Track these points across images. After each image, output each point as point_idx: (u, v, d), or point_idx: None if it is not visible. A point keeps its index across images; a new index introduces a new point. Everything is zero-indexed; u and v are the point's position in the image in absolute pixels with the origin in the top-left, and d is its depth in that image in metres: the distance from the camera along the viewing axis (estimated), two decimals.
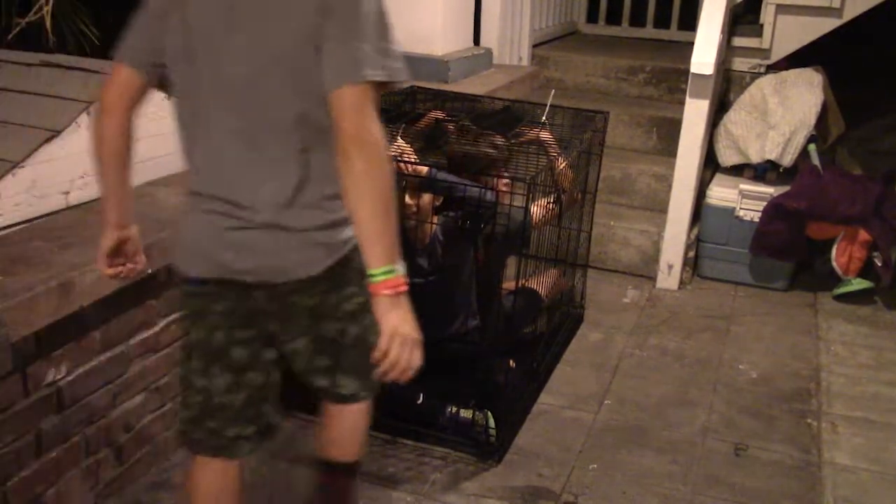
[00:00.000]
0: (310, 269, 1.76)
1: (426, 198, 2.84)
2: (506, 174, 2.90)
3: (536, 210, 2.95)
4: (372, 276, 1.65)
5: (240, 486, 1.99)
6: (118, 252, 1.91)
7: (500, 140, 2.99)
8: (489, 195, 2.76)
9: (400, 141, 2.93)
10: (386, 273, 1.65)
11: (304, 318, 1.84)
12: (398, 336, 1.68)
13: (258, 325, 1.86)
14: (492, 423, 2.80)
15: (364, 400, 2.02)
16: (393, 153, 2.83)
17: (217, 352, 1.85)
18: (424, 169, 2.78)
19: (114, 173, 1.83)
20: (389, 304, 1.67)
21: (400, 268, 1.67)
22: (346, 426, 2.06)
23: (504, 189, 2.85)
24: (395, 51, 1.68)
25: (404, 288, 1.69)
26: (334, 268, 1.78)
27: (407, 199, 2.84)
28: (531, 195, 2.74)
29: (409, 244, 2.92)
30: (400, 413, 2.83)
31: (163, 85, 1.81)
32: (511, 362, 3.02)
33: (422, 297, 2.92)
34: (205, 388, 1.87)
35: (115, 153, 1.81)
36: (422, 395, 2.85)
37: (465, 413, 2.81)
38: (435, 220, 2.87)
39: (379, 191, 1.63)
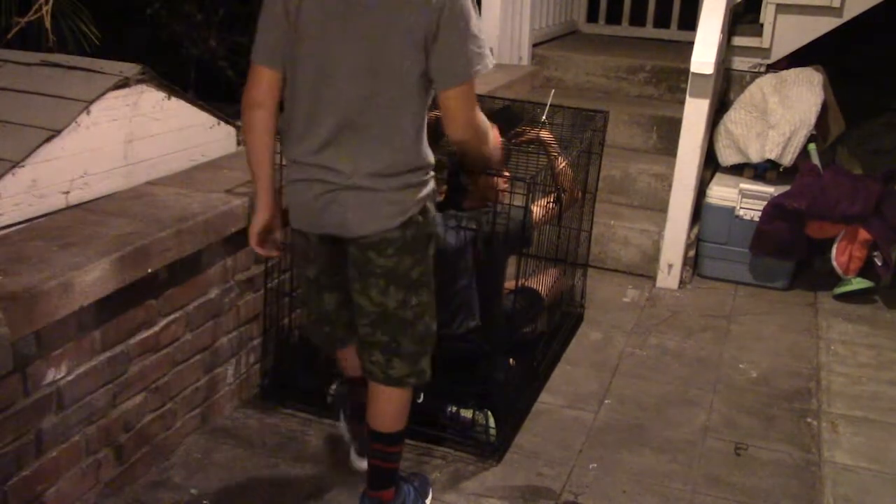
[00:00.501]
0: (385, 224, 2.09)
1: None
2: (506, 173, 2.90)
3: (537, 210, 2.95)
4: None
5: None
6: (266, 231, 2.27)
7: (499, 140, 2.98)
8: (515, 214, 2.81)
9: None
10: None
11: (379, 280, 2.15)
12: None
13: (344, 275, 2.22)
14: (492, 422, 2.80)
15: (409, 386, 2.29)
16: None
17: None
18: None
19: (266, 160, 2.18)
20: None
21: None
22: (390, 407, 2.30)
23: (504, 187, 2.85)
24: (485, 42, 2.09)
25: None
26: (407, 228, 2.11)
27: None
28: (531, 194, 2.74)
29: None
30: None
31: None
32: (511, 361, 3.02)
33: None
34: (318, 302, 2.35)
35: (267, 142, 2.17)
36: (422, 395, 2.84)
37: (466, 412, 2.81)
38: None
39: (488, 156, 2.37)
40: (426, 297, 2.23)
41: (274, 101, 2.13)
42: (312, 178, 2.11)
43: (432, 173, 2.18)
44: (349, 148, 2.06)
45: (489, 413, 2.81)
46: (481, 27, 2.08)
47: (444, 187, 2.90)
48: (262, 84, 2.12)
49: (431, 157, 2.16)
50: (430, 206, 2.19)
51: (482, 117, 2.21)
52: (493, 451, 2.76)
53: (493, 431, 2.79)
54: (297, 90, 2.09)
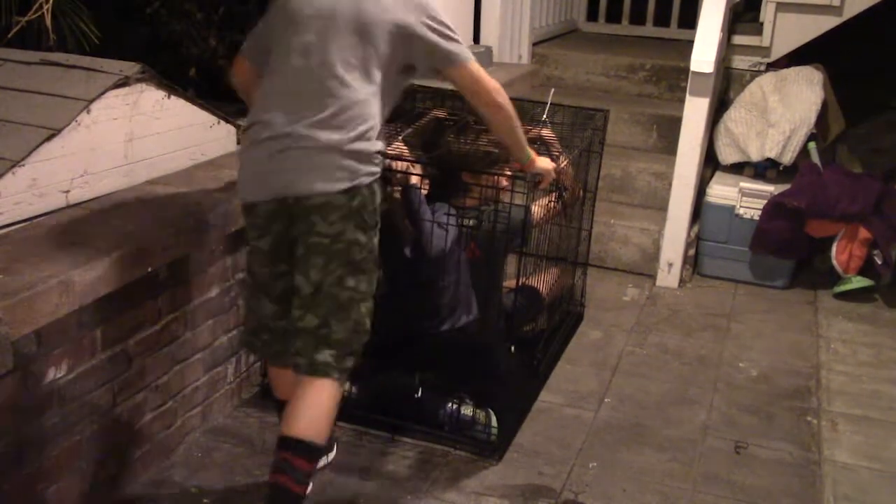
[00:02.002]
0: (333, 185, 2.12)
1: (418, 181, 2.84)
2: (507, 171, 2.90)
3: (537, 209, 2.95)
4: (521, 160, 2.61)
5: None
6: None
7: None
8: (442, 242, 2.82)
9: (399, 141, 2.92)
10: (527, 158, 2.61)
11: (320, 256, 2.14)
12: (551, 171, 2.72)
13: (288, 264, 2.22)
14: (494, 421, 2.80)
15: (334, 377, 2.19)
16: (391, 153, 2.83)
17: (264, 283, 2.32)
18: (415, 179, 2.78)
19: None
20: (537, 164, 2.65)
21: (530, 153, 2.61)
22: (312, 404, 2.17)
23: (506, 186, 2.85)
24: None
25: (537, 161, 2.63)
26: (354, 197, 2.14)
27: (397, 195, 2.84)
28: (532, 193, 2.74)
29: (400, 239, 2.91)
30: (398, 408, 2.84)
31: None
32: (511, 348, 3.00)
33: (414, 293, 2.95)
34: (259, 308, 2.35)
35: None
36: (420, 390, 2.85)
37: (466, 410, 2.81)
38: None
39: (509, 122, 2.46)
40: (365, 286, 2.22)
41: None
42: (260, 139, 2.18)
43: (382, 151, 2.25)
44: (301, 102, 2.17)
45: (490, 412, 2.81)
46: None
47: (427, 181, 2.92)
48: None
49: (381, 146, 2.25)
50: (378, 190, 2.22)
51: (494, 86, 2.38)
52: (493, 450, 2.76)
53: (494, 430, 2.79)
54: (269, 70, 2.26)
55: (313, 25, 2.19)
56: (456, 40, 2.33)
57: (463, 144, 2.95)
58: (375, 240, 2.25)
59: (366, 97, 2.19)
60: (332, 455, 2.62)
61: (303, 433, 2.13)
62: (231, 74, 2.51)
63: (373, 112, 2.21)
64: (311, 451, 2.16)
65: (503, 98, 2.39)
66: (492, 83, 2.37)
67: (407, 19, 2.23)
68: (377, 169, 2.23)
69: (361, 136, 2.17)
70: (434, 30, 2.28)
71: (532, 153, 2.61)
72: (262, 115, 2.22)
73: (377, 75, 2.22)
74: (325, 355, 2.17)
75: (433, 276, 2.89)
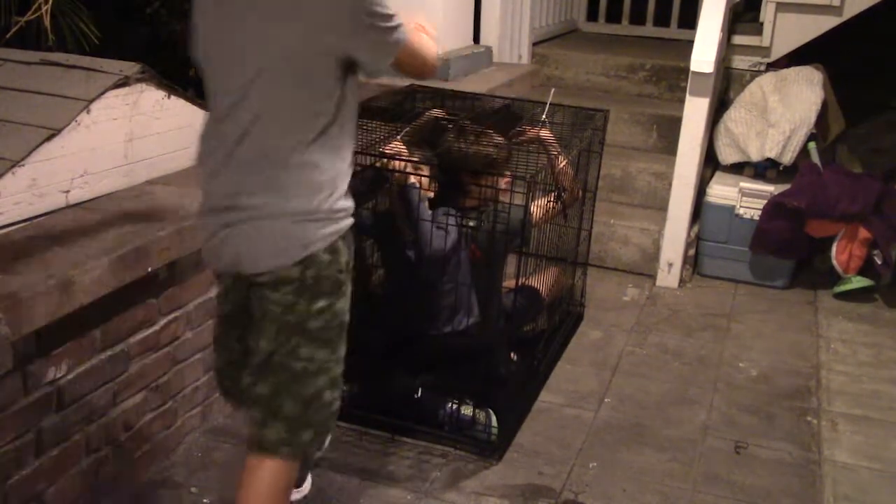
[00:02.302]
0: (281, 260, 1.85)
1: (423, 182, 2.84)
2: (506, 174, 2.90)
3: (536, 210, 2.95)
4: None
5: None
6: None
7: (500, 139, 2.99)
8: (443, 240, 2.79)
9: (398, 140, 2.93)
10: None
11: (273, 323, 1.89)
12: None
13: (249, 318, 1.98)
14: (494, 421, 2.80)
15: (286, 456, 1.95)
16: (389, 152, 2.83)
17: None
18: (412, 178, 2.78)
19: None
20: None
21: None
22: (260, 486, 1.95)
23: (506, 188, 2.86)
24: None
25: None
26: (308, 268, 1.86)
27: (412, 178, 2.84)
28: (531, 193, 2.74)
29: (401, 240, 2.92)
30: (398, 409, 2.84)
31: None
32: (512, 355, 3.01)
33: (415, 294, 2.95)
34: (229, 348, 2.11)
35: None
36: (420, 390, 2.85)
37: (466, 410, 2.81)
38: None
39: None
40: (325, 355, 1.92)
41: None
42: (210, 209, 1.93)
43: (349, 207, 1.93)
44: (239, 169, 1.87)
45: (491, 412, 2.81)
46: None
47: (435, 185, 2.92)
48: None
49: (345, 192, 1.92)
50: (343, 247, 1.92)
51: (430, 55, 2.02)
52: (493, 449, 2.76)
53: (494, 430, 2.79)
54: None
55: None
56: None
57: (463, 146, 2.95)
58: (342, 301, 1.95)
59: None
60: (306, 488, 2.47)
61: None
62: None
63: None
64: None
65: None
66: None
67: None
68: (340, 226, 1.91)
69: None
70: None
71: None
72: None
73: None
74: (275, 431, 1.93)
75: (434, 278, 2.90)
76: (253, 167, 1.84)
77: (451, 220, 2.85)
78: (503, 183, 2.88)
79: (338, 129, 1.88)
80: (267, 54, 1.80)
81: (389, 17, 1.85)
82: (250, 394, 1.96)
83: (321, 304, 1.89)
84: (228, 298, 2.03)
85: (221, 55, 1.88)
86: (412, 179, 2.82)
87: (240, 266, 1.91)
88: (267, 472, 1.95)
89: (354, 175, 2.80)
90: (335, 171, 1.88)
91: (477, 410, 2.81)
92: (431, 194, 2.91)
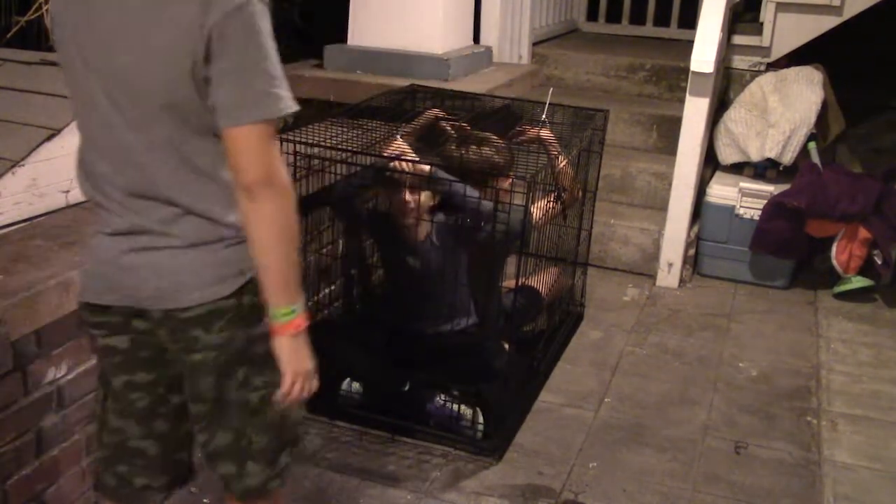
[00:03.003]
0: (217, 290, 1.60)
1: (424, 196, 2.84)
2: (509, 175, 2.91)
3: (536, 211, 2.95)
4: (276, 316, 1.59)
5: None
6: None
7: (501, 143, 2.99)
8: (487, 205, 2.75)
9: (399, 140, 2.93)
10: (290, 314, 1.59)
11: (209, 374, 1.66)
12: (300, 376, 1.64)
13: (160, 367, 1.72)
14: (480, 418, 2.80)
15: (273, 490, 1.78)
16: (393, 151, 2.83)
17: (120, 396, 1.74)
18: (427, 167, 2.78)
19: None
20: (292, 344, 1.62)
21: (301, 305, 1.62)
22: None
23: (507, 189, 2.86)
24: (282, 76, 1.54)
25: (304, 326, 1.63)
26: (244, 294, 1.62)
27: (406, 195, 2.84)
28: (531, 193, 2.74)
29: (402, 242, 2.92)
30: (387, 402, 2.83)
31: None
32: (506, 345, 3.00)
33: (414, 296, 2.95)
34: (119, 428, 1.77)
35: None
36: (409, 384, 2.85)
37: (453, 406, 2.81)
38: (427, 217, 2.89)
39: (289, 233, 1.55)
40: (277, 377, 1.64)
41: None
42: (115, 231, 1.62)
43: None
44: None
45: (478, 409, 2.81)
46: (277, 59, 1.53)
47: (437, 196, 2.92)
48: None
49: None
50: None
51: (286, 177, 1.55)
52: (482, 447, 2.76)
53: (480, 427, 2.79)
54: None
55: None
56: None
57: (465, 153, 2.95)
58: None
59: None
60: None
61: None
62: None
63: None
64: None
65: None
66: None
67: None
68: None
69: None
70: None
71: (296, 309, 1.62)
72: None
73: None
74: (255, 475, 1.73)
75: (433, 278, 2.90)
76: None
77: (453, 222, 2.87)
78: (506, 184, 2.88)
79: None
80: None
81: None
82: (210, 454, 1.74)
83: (260, 329, 1.63)
84: (119, 353, 1.71)
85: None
86: (425, 167, 2.81)
87: (157, 301, 1.61)
88: None
89: (353, 174, 2.80)
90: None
91: (463, 406, 2.81)
92: (433, 202, 2.92)
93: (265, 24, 1.50)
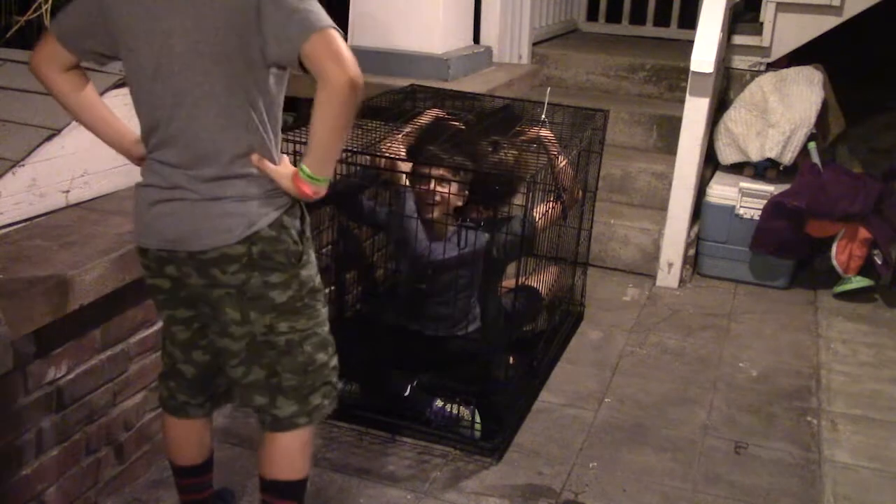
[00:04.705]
0: (224, 237, 1.84)
1: (454, 188, 2.84)
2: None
3: (539, 218, 2.95)
4: (304, 175, 1.83)
5: (204, 435, 2.20)
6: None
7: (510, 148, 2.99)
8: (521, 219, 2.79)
9: (396, 139, 2.93)
10: (316, 181, 1.84)
11: (233, 307, 1.90)
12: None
13: (196, 307, 1.99)
14: (478, 418, 2.81)
15: (303, 426, 2.02)
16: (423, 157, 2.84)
17: (166, 327, 2.09)
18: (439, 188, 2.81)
19: (90, 114, 2.03)
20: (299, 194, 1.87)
21: (327, 182, 1.87)
22: (286, 452, 2.03)
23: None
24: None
25: (321, 196, 1.88)
26: (253, 244, 1.85)
27: (436, 187, 2.84)
28: (531, 193, 2.74)
29: (413, 239, 2.91)
30: (398, 408, 2.84)
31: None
32: (511, 359, 3.02)
33: (423, 297, 2.95)
34: (170, 352, 2.11)
35: (75, 100, 2.00)
36: (409, 388, 2.85)
37: (451, 408, 2.82)
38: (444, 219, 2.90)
39: (345, 122, 1.77)
40: (304, 324, 1.95)
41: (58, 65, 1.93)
42: (148, 184, 1.91)
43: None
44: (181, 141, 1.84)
45: (475, 409, 2.81)
46: None
47: (466, 192, 2.92)
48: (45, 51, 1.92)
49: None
50: (290, 220, 1.90)
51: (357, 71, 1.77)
52: (492, 449, 2.76)
53: (478, 426, 2.80)
54: (133, 85, 1.92)
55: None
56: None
57: (492, 154, 2.93)
58: (306, 269, 1.95)
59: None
60: None
61: (283, 475, 2.05)
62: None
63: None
64: (293, 490, 2.08)
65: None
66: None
67: None
68: (282, 200, 1.89)
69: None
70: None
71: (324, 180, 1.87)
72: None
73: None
74: (285, 408, 1.99)
75: (447, 280, 2.90)
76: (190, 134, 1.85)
77: (476, 229, 2.88)
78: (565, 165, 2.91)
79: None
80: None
81: None
82: (245, 384, 1.99)
83: (279, 279, 1.89)
84: (164, 278, 1.97)
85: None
86: (440, 189, 2.83)
87: (179, 243, 1.87)
88: (289, 444, 2.02)
89: (353, 174, 2.79)
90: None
91: (462, 408, 2.82)
92: (461, 202, 2.92)
93: None
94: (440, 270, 2.91)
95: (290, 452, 2.03)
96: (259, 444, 2.07)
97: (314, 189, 1.85)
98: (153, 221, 1.89)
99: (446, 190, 2.86)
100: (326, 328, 2.03)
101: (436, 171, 2.82)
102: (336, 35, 1.74)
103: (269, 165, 1.85)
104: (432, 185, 2.85)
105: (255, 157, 1.84)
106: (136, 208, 1.95)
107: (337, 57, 1.72)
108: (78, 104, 2.00)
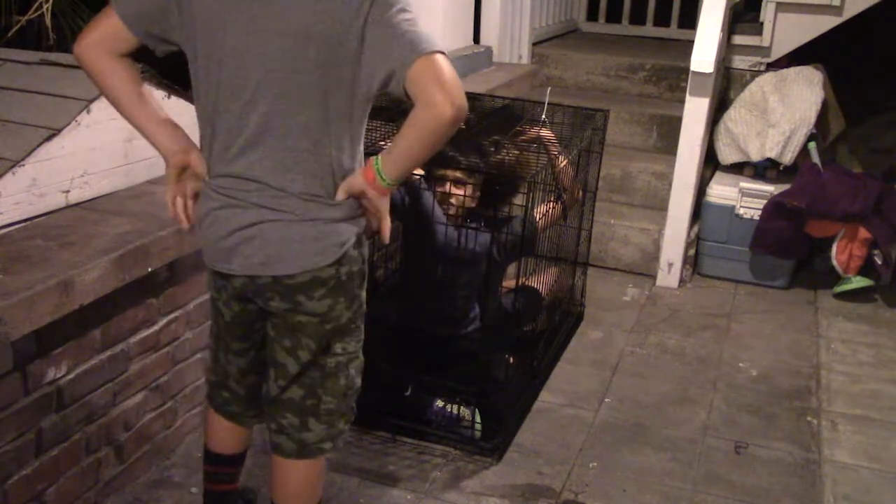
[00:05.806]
0: (318, 260, 1.79)
1: (468, 190, 2.84)
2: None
3: (539, 219, 2.95)
4: (381, 176, 1.77)
5: (248, 429, 2.20)
6: (182, 181, 1.91)
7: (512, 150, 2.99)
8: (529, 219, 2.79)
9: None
10: (390, 183, 1.79)
11: (308, 336, 1.86)
12: (385, 221, 1.86)
13: (261, 331, 1.97)
14: (478, 418, 2.81)
15: (324, 452, 1.98)
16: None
17: (222, 351, 2.06)
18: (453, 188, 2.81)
19: (130, 100, 1.91)
20: (382, 199, 1.83)
21: (390, 188, 1.82)
22: (305, 484, 1.99)
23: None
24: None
25: (380, 195, 1.81)
26: (342, 265, 1.82)
27: (452, 188, 2.84)
28: (532, 193, 2.74)
29: (432, 238, 2.91)
30: (389, 403, 2.83)
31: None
32: (510, 359, 3.02)
33: (428, 295, 2.95)
34: (223, 370, 2.08)
35: (116, 82, 1.89)
36: (410, 388, 2.85)
37: (452, 408, 2.82)
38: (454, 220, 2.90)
39: (436, 142, 1.74)
40: (353, 346, 1.93)
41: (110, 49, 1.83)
42: (225, 205, 1.81)
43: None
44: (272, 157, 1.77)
45: (476, 409, 2.81)
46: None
47: (478, 193, 2.91)
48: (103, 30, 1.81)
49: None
50: (363, 237, 1.88)
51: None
52: (493, 448, 2.76)
53: (478, 426, 2.80)
54: (201, 92, 1.87)
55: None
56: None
57: (502, 155, 2.93)
58: (364, 288, 1.93)
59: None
60: None
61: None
62: None
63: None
64: None
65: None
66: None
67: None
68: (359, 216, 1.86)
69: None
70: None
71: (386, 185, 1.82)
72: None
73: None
74: (315, 432, 1.93)
75: (454, 283, 2.90)
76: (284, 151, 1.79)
77: (477, 229, 2.87)
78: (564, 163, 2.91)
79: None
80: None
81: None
82: (279, 401, 1.94)
83: (351, 299, 1.87)
84: (231, 306, 1.94)
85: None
86: (456, 191, 2.84)
87: (266, 268, 1.80)
88: (309, 472, 1.98)
89: None
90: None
91: (462, 408, 2.82)
92: (474, 203, 2.92)
93: None
94: (450, 266, 2.91)
95: (311, 479, 2.00)
96: (273, 470, 2.01)
97: (384, 190, 1.80)
98: (237, 246, 1.81)
99: (461, 192, 2.86)
100: (361, 351, 2.00)
101: (452, 174, 2.83)
102: (445, 60, 1.71)
103: (349, 187, 1.81)
104: (448, 188, 2.85)
105: (340, 194, 1.80)
106: (210, 232, 1.84)
107: (444, 84, 1.69)
108: (133, 98, 1.89)
